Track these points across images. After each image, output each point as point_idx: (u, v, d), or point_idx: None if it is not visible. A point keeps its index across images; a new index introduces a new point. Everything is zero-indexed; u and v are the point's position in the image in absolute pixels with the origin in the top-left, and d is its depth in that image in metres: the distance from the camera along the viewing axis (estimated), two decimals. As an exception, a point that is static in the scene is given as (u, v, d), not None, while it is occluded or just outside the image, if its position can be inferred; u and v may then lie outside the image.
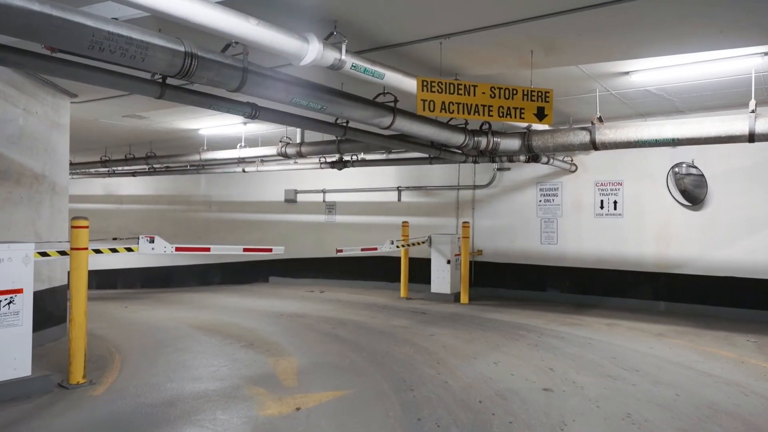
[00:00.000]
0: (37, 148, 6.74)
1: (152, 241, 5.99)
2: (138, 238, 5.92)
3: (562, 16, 4.64)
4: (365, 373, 5.67)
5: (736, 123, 6.09)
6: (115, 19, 3.85)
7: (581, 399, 4.94)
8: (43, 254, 5.22)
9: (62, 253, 5.28)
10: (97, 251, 5.60)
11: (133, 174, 15.03)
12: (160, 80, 4.79)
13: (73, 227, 5.13)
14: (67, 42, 3.47)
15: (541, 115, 5.44)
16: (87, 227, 5.16)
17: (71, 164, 14.24)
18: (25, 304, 4.89)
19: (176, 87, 4.97)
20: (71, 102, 7.66)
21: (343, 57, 4.59)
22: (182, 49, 3.97)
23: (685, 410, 4.68)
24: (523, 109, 5.42)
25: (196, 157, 11.41)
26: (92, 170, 15.15)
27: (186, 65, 4.01)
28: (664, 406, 4.76)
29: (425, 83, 5.15)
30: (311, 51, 4.32)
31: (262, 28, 3.95)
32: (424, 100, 5.13)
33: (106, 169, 14.28)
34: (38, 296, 6.59)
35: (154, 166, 13.03)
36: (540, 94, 5.49)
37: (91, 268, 16.20)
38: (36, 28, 3.26)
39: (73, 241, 5.10)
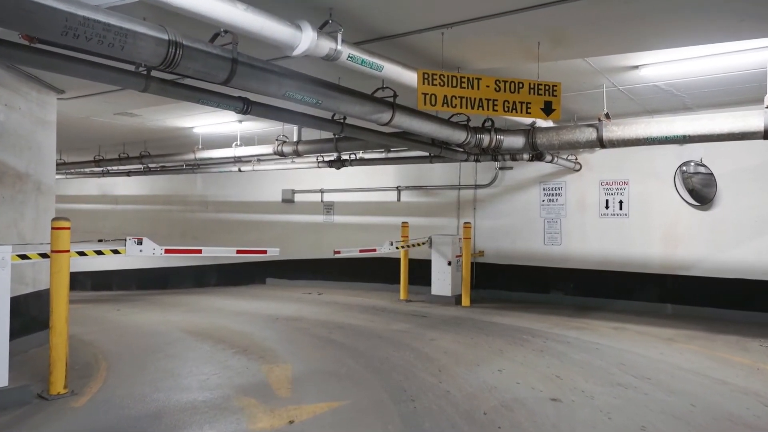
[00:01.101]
0: (21, 146, 6.46)
1: (140, 242, 5.69)
2: (125, 240, 5.64)
3: (572, 4, 4.36)
4: (363, 382, 5.40)
5: (751, 119, 5.83)
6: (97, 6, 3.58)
7: (591, 410, 4.67)
8: (23, 257, 4.94)
9: (43, 255, 4.99)
10: (81, 253, 5.32)
11: (128, 174, 14.78)
12: (145, 72, 4.51)
13: (53, 228, 4.85)
14: (38, 28, 3.18)
15: (548, 110, 5.17)
16: (68, 228, 4.88)
17: (64, 164, 14.03)
18: (0, 310, 4.59)
19: (162, 80, 4.68)
20: (58, 98, 7.37)
21: (339, 47, 4.31)
22: (166, 37, 3.67)
23: (703, 422, 4.41)
24: (530, 103, 5.14)
25: (191, 156, 11.14)
26: (86, 170, 14.89)
27: (170, 55, 3.72)
28: (680, 418, 4.49)
29: (426, 76, 4.87)
30: (304, 39, 4.04)
31: (251, 14, 3.67)
32: (425, 94, 4.85)
33: (100, 168, 14.01)
34: (22, 300, 6.36)
35: (149, 165, 12.77)
36: (547, 87, 5.21)
37: (85, 269, 15.92)
38: (3, 13, 2.98)
39: (54, 243, 4.82)
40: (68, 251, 4.90)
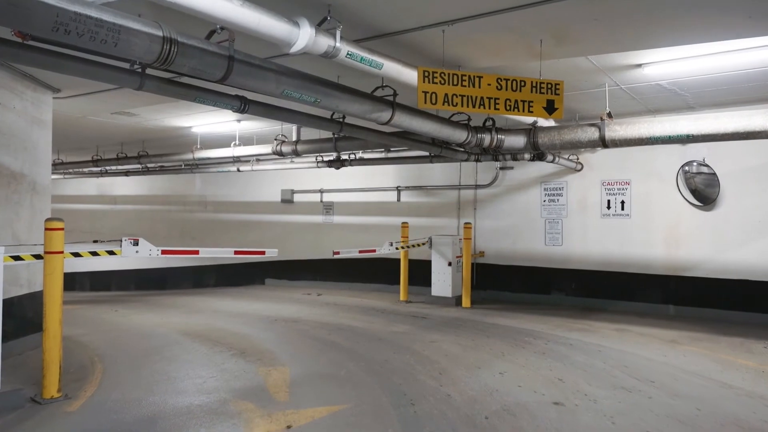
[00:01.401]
0: (15, 146, 6.37)
1: (136, 243, 5.60)
2: (121, 241, 5.55)
3: (575, 0, 4.28)
4: (363, 385, 5.31)
5: (756, 118, 5.76)
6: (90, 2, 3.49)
7: (595, 414, 4.59)
8: (16, 258, 4.85)
9: (37, 256, 4.91)
10: (76, 254, 5.22)
11: (126, 173, 14.69)
12: (140, 70, 4.43)
13: (47, 229, 4.76)
14: (29, 23, 3.09)
15: (550, 109, 5.08)
16: (62, 229, 4.79)
17: (62, 164, 13.95)
18: (-7, 313, 4.51)
19: (157, 78, 4.60)
20: (54, 97, 7.29)
21: (338, 44, 4.23)
22: (160, 33, 3.59)
23: (709, 427, 4.32)
24: (532, 102, 5.05)
25: (190, 156, 11.06)
26: (85, 170, 14.81)
27: (165, 52, 3.63)
28: (686, 423, 4.40)
29: (427, 74, 4.78)
30: (302, 36, 3.95)
31: (247, 9, 3.59)
32: (425, 92, 4.76)
33: (98, 168, 13.92)
34: (16, 302, 6.28)
35: (147, 165, 12.69)
36: (550, 86, 5.12)
37: (84, 269, 15.80)
38: (-10, 7, 2.90)
39: (47, 244, 4.73)
40: (62, 252, 4.81)
